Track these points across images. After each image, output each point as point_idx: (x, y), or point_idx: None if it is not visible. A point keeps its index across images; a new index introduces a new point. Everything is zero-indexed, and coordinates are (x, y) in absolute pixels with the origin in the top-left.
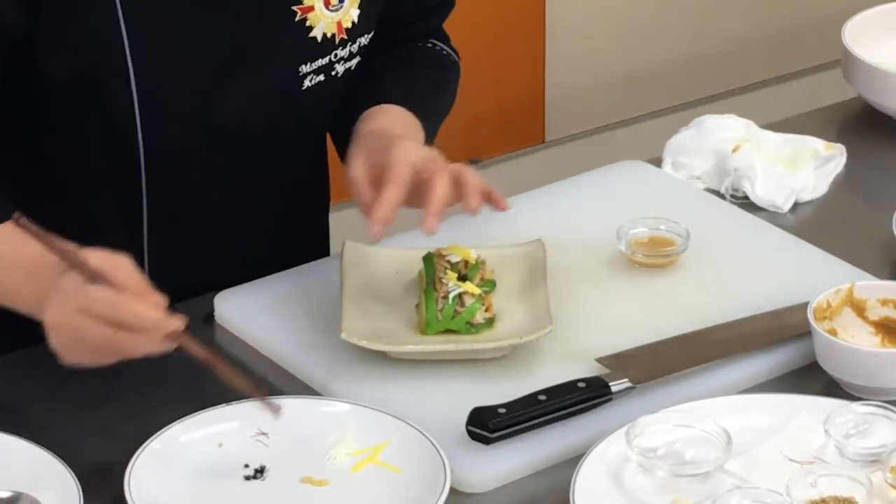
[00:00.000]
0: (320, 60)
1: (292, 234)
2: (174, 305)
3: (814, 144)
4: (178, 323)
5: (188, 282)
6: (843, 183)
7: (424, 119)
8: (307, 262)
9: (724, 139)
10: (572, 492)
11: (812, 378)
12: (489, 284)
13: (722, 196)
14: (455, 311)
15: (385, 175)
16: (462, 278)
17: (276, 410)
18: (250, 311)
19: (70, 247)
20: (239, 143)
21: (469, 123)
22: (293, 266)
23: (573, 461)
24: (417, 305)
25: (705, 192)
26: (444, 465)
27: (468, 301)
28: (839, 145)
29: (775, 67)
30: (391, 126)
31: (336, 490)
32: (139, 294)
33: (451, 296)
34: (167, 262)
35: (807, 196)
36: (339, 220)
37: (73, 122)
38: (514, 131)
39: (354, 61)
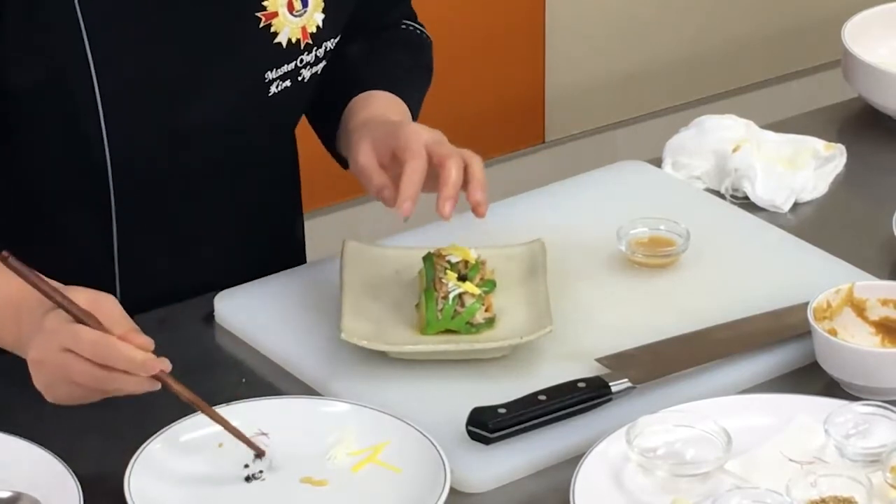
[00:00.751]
0: (286, 66)
1: (265, 240)
2: (172, 306)
3: (814, 144)
4: (163, 364)
5: (160, 289)
6: (843, 183)
7: (409, 103)
8: (281, 268)
9: (724, 139)
10: (572, 492)
11: (812, 378)
12: (489, 284)
13: (722, 196)
14: (455, 311)
15: (403, 154)
16: (462, 278)
17: (261, 454)
18: (250, 311)
19: (55, 285)
20: (206, 149)
21: (469, 123)
22: (266, 273)
23: (573, 461)
24: (417, 305)
25: (705, 192)
26: (444, 465)
27: (468, 301)
28: (839, 145)
29: (775, 67)
30: (387, 112)
31: (336, 490)
32: (126, 334)
33: (451, 296)
34: (138, 269)
35: (807, 196)
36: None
37: (37, 132)
38: (514, 131)
39: (320, 66)
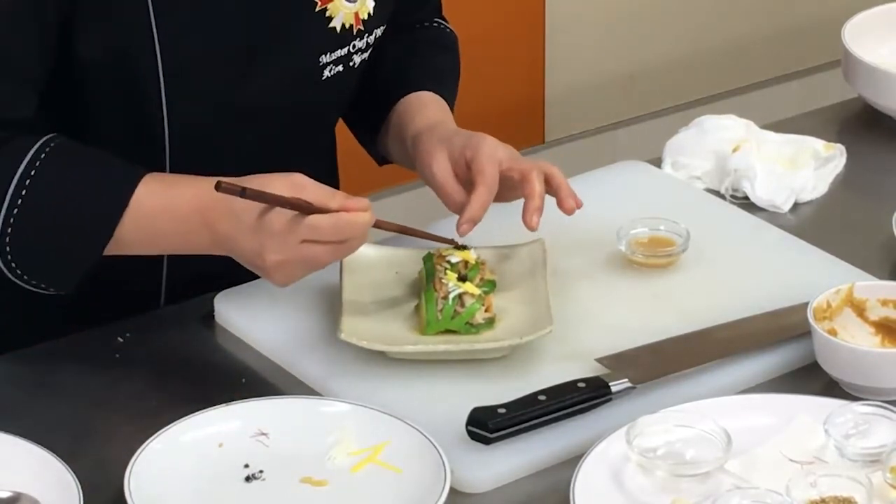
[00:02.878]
0: (339, 51)
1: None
2: (172, 306)
3: (814, 144)
4: (373, 215)
5: (204, 269)
6: (843, 183)
7: (450, 102)
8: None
9: (724, 139)
10: (572, 492)
11: (812, 378)
12: (489, 285)
13: (722, 196)
14: (455, 311)
15: (476, 176)
16: (462, 279)
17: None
18: (250, 311)
19: (258, 186)
20: (258, 127)
21: (469, 123)
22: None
23: (573, 461)
24: (417, 306)
25: (705, 192)
26: (444, 465)
27: (468, 301)
28: (839, 145)
29: (775, 67)
30: (446, 119)
31: (336, 490)
32: (343, 204)
33: (451, 296)
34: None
35: (807, 196)
36: None
37: (99, 105)
38: (514, 131)
39: (369, 53)
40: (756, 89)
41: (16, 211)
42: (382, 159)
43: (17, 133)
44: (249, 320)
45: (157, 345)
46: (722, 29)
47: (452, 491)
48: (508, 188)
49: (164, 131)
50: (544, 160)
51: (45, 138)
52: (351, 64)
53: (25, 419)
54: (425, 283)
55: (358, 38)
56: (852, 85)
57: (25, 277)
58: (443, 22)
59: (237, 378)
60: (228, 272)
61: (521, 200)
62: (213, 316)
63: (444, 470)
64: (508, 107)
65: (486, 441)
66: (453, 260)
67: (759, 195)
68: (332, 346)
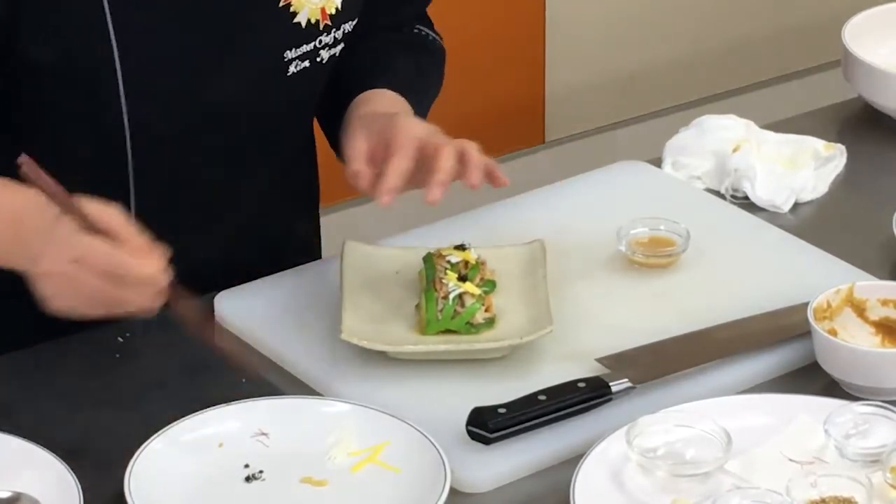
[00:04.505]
0: (305, 46)
1: (279, 229)
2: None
3: (814, 144)
4: (165, 275)
5: (175, 270)
6: (843, 183)
7: (414, 105)
8: (295, 260)
9: (724, 139)
10: (572, 492)
11: (812, 378)
12: (489, 285)
13: (722, 196)
14: (455, 311)
15: (391, 148)
16: (462, 279)
17: (243, 371)
18: (250, 311)
19: (65, 194)
20: (224, 127)
21: (469, 123)
22: (280, 261)
23: (573, 461)
24: (417, 305)
25: (705, 192)
26: (444, 465)
27: (468, 301)
28: (839, 145)
29: (775, 67)
30: (388, 107)
31: (336, 490)
32: (138, 248)
33: (451, 296)
34: None
35: (807, 196)
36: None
37: (57, 108)
38: (514, 131)
39: (339, 48)
40: (756, 89)
41: None
42: None
43: None
44: (249, 320)
45: (157, 345)
46: (722, 29)
47: (452, 491)
48: (426, 169)
49: (125, 136)
50: (544, 160)
51: None
52: (318, 59)
53: (25, 419)
54: (425, 283)
55: (325, 34)
56: (852, 85)
57: None
58: (424, 28)
59: (237, 378)
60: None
61: (524, 200)
62: (213, 316)
63: (444, 470)
64: (508, 107)
65: (486, 441)
66: (453, 260)
67: (759, 195)
68: (332, 346)
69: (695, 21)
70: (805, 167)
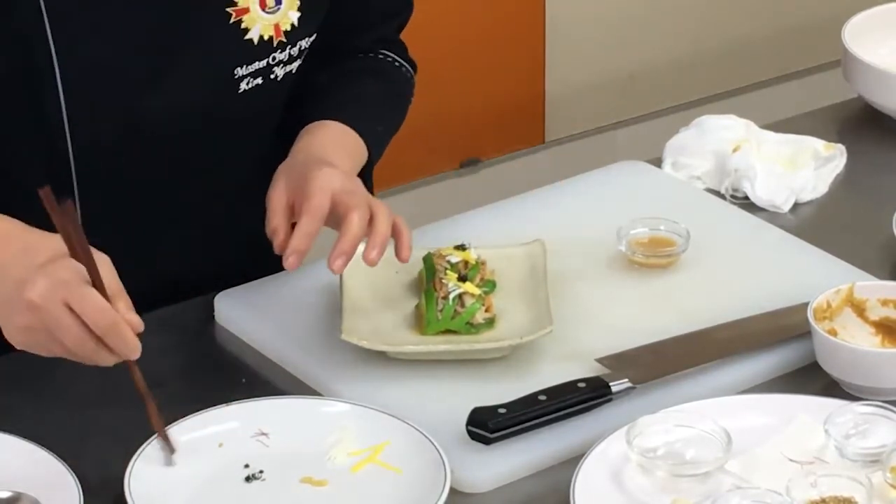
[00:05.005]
0: (257, 63)
1: (232, 242)
2: (172, 306)
3: (814, 144)
4: (138, 350)
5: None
6: (843, 183)
7: (368, 136)
8: (249, 272)
9: (724, 139)
10: (572, 492)
11: (812, 378)
12: (489, 285)
13: (722, 196)
14: (455, 311)
15: (303, 204)
16: (462, 279)
17: (171, 451)
18: (250, 311)
19: (79, 231)
20: (171, 143)
21: (469, 123)
22: (233, 275)
23: (573, 461)
24: (417, 305)
25: (705, 192)
26: (444, 465)
27: (468, 301)
28: (839, 145)
29: (775, 67)
30: (323, 147)
31: (336, 490)
32: (125, 312)
33: (451, 296)
34: None
35: (807, 196)
36: None
37: (1, 123)
38: (514, 131)
39: (295, 64)
40: (756, 89)
41: None
42: None
43: None
44: (249, 320)
45: (157, 345)
46: (722, 29)
47: (452, 491)
48: (336, 223)
49: (68, 152)
50: (544, 160)
51: None
52: (272, 76)
53: (25, 419)
54: (425, 283)
55: (279, 51)
56: (852, 85)
57: None
58: (392, 55)
59: (237, 378)
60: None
61: (524, 200)
62: (213, 316)
63: (444, 470)
64: (508, 107)
65: (486, 441)
66: (453, 260)
67: (759, 195)
68: (332, 346)
69: (695, 21)
70: (805, 167)
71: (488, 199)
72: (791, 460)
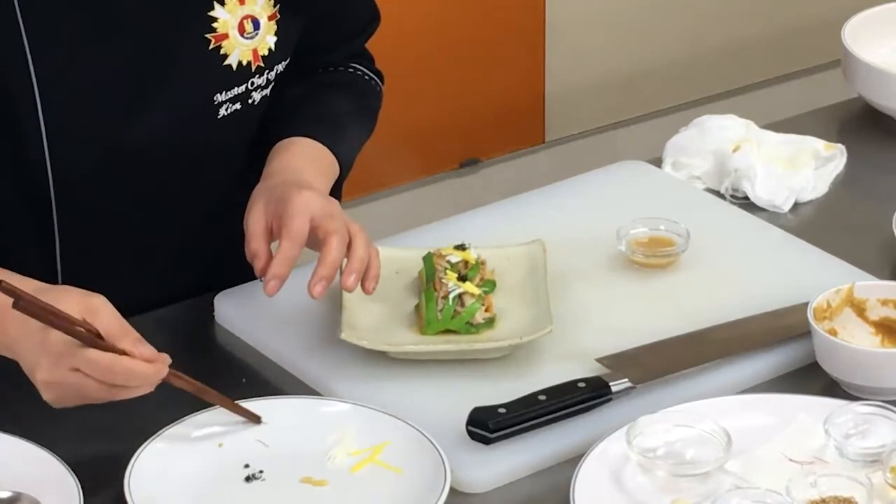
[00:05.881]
0: (236, 89)
1: (212, 265)
2: (172, 306)
3: (814, 144)
4: (164, 370)
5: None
6: (843, 183)
7: (338, 149)
8: (237, 276)
9: (724, 139)
10: (572, 492)
11: (812, 378)
12: (489, 284)
13: (722, 196)
14: (455, 311)
15: (282, 229)
16: (462, 278)
17: (258, 421)
18: (250, 311)
19: (47, 300)
20: (151, 170)
21: (469, 123)
22: (215, 294)
23: (573, 461)
24: (417, 305)
25: (705, 192)
26: (444, 465)
27: (468, 301)
28: (839, 145)
29: (775, 67)
30: (300, 166)
31: (336, 490)
32: (131, 348)
33: (451, 296)
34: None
35: (807, 196)
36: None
37: None
38: (514, 131)
39: (271, 88)
40: (756, 89)
41: None
42: None
43: None
44: (249, 320)
45: (157, 345)
46: (722, 29)
47: (452, 491)
48: (316, 245)
49: (48, 179)
50: (544, 160)
51: None
52: (250, 101)
53: (25, 419)
54: (425, 282)
55: (257, 75)
56: (852, 85)
57: None
58: (362, 68)
59: (237, 378)
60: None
61: (524, 200)
62: (213, 316)
63: (444, 470)
64: (508, 107)
65: (486, 441)
66: (453, 260)
67: (759, 195)
68: (332, 346)
69: (695, 21)
70: (805, 167)
71: (488, 199)
72: (791, 460)
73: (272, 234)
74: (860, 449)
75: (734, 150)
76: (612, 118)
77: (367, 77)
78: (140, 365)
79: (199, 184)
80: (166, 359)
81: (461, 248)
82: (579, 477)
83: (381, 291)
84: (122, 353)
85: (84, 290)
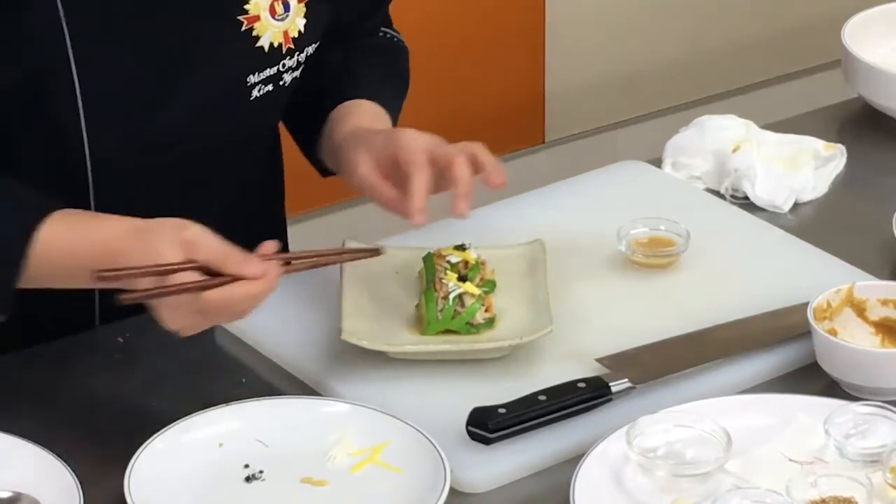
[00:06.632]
0: (268, 70)
1: (245, 246)
2: None
3: (814, 144)
4: (277, 275)
5: None
6: (843, 183)
7: (390, 110)
8: None
9: (724, 139)
10: (572, 492)
11: (812, 378)
12: (489, 285)
13: (722, 196)
14: (455, 311)
15: (405, 165)
16: (462, 279)
17: (377, 252)
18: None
19: (146, 288)
20: (187, 152)
21: (469, 123)
22: None
23: (573, 461)
24: (417, 305)
25: (705, 192)
26: (444, 465)
27: (468, 301)
28: (839, 145)
29: (775, 67)
30: (374, 122)
31: (336, 490)
32: (239, 270)
33: (451, 296)
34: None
35: (807, 196)
36: (331, 223)
37: (16, 135)
38: (514, 131)
39: (300, 70)
40: (756, 89)
41: None
42: (324, 171)
43: None
44: (249, 320)
45: (157, 345)
46: (722, 29)
47: (452, 491)
48: (439, 176)
49: (86, 164)
50: (544, 160)
51: None
52: (281, 83)
53: (25, 419)
54: (425, 283)
55: (288, 57)
56: (852, 85)
57: None
58: (390, 31)
59: (237, 378)
60: None
61: (524, 200)
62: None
63: (444, 470)
64: (508, 107)
65: (486, 441)
66: (453, 260)
67: (759, 195)
68: (332, 346)
69: (695, 21)
70: (805, 167)
71: (488, 199)
72: (791, 460)
73: (388, 180)
74: (860, 449)
75: (734, 150)
76: (612, 118)
77: (395, 39)
78: (254, 286)
79: (233, 166)
80: (272, 266)
81: (461, 248)
82: (579, 477)
83: (381, 291)
84: (233, 277)
85: (175, 222)
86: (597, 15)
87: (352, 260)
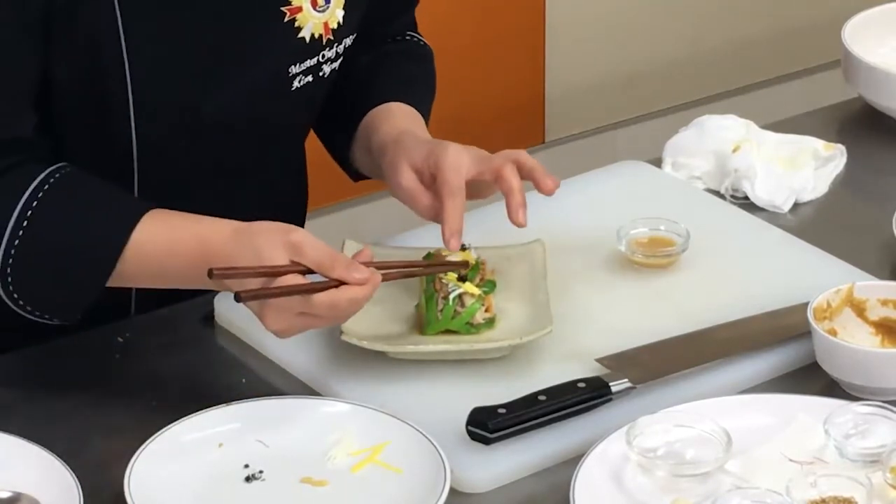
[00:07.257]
0: (309, 61)
1: None
2: (172, 306)
3: (814, 144)
4: (378, 280)
5: None
6: (843, 183)
7: (422, 111)
8: None
9: (724, 139)
10: (572, 492)
11: (812, 378)
12: (489, 285)
13: (722, 196)
14: (455, 311)
15: (441, 188)
16: (462, 279)
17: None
18: (250, 312)
19: (257, 288)
20: (228, 141)
21: (469, 123)
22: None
23: (573, 461)
24: (417, 305)
25: (705, 192)
26: (444, 465)
27: (468, 301)
28: (839, 145)
29: (775, 67)
30: (412, 127)
31: (336, 490)
32: (343, 275)
33: (451, 296)
34: None
35: (807, 196)
36: (332, 223)
37: (68, 121)
38: (514, 131)
39: (338, 62)
40: (756, 89)
41: (17, 242)
42: (356, 175)
43: (22, 155)
44: (249, 320)
45: (157, 345)
46: (722, 29)
47: (452, 491)
48: (484, 187)
49: (132, 148)
50: (544, 160)
51: (50, 169)
52: (321, 74)
53: (25, 419)
54: (425, 283)
55: (327, 48)
56: (852, 85)
57: (28, 308)
58: (416, 35)
59: (237, 378)
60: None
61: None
62: (213, 316)
63: (444, 470)
64: (508, 107)
65: (486, 441)
66: (453, 260)
67: (759, 195)
68: (332, 346)
69: (695, 21)
70: (805, 167)
71: (488, 199)
72: (791, 460)
73: (428, 187)
74: (860, 449)
75: (734, 151)
76: (612, 118)
77: (421, 43)
78: (359, 290)
79: (269, 158)
80: (375, 273)
81: (461, 248)
82: (579, 477)
83: (382, 292)
84: (338, 282)
85: (279, 226)
86: (597, 15)
87: (441, 272)
